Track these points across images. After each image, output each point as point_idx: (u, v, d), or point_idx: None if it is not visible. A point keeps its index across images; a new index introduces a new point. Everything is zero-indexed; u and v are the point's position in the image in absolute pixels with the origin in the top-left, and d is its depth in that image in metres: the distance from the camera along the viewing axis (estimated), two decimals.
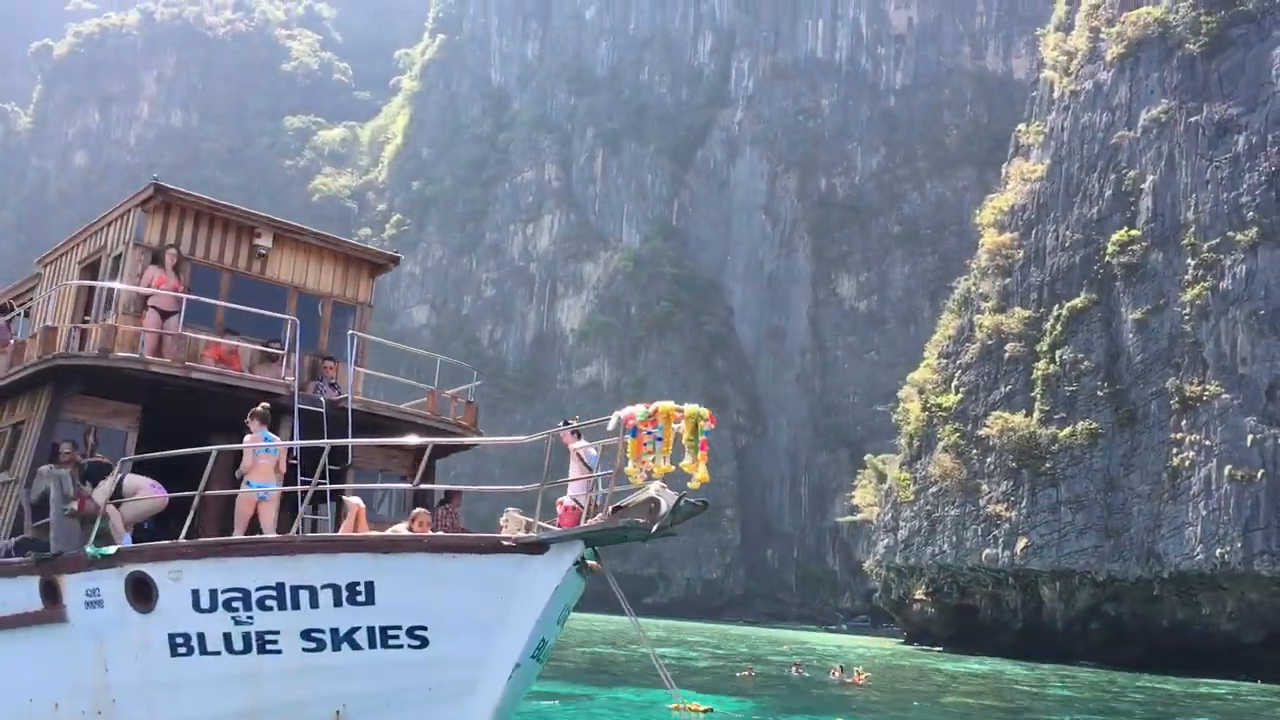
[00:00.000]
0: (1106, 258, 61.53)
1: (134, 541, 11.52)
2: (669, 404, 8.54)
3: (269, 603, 9.67)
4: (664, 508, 8.27)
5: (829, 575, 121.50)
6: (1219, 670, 51.25)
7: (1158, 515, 55.72)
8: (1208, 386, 54.80)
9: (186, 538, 10.42)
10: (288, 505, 12.56)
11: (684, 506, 8.37)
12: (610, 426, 8.67)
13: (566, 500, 10.17)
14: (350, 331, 14.39)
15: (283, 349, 13.36)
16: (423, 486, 10.60)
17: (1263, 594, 53.17)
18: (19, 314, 16.30)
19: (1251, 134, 56.91)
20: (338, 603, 9.47)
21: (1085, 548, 57.81)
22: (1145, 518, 56.24)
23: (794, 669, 35.10)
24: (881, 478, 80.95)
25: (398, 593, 9.35)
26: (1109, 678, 46.15)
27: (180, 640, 10.08)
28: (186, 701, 10.24)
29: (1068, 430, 59.73)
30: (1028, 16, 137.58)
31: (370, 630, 9.49)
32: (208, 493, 10.52)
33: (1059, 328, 62.80)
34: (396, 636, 9.44)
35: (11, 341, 14.86)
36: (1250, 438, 52.43)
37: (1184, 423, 55.51)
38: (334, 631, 9.56)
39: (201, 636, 9.98)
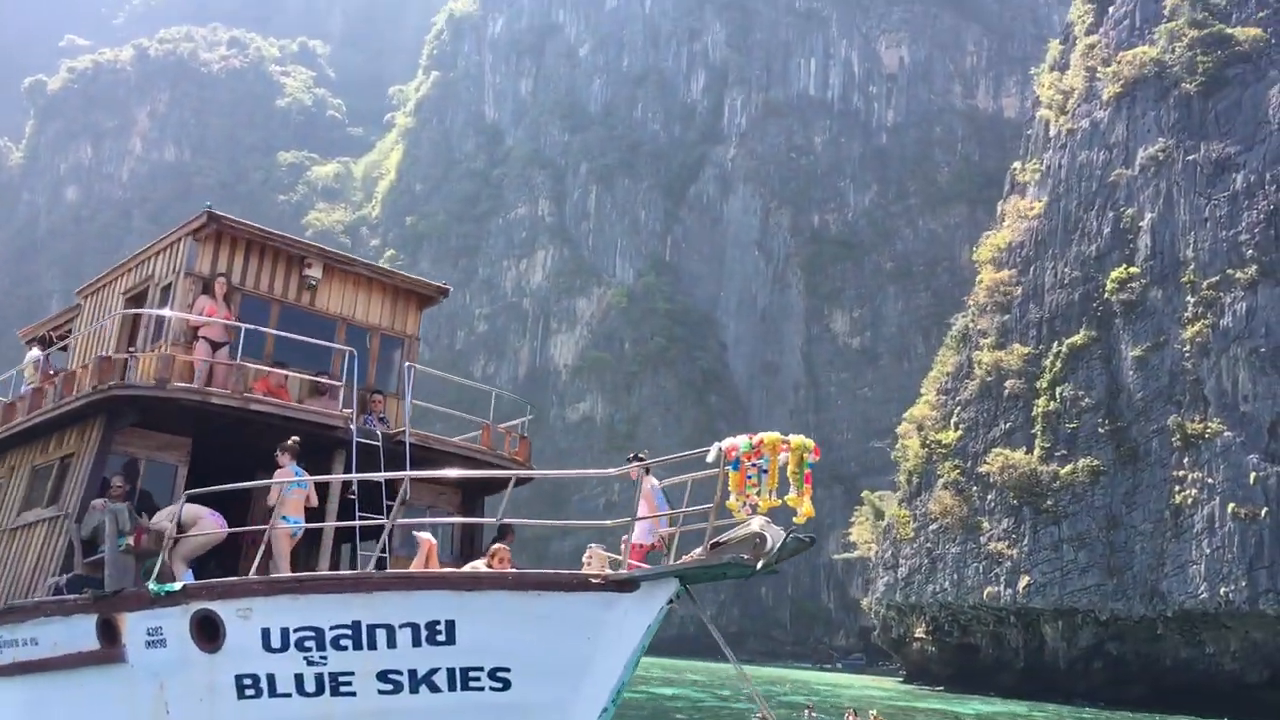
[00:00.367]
0: (1106, 295, 61.60)
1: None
2: (774, 435, 8.22)
3: (344, 642, 9.23)
4: (770, 543, 7.92)
5: (823, 612, 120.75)
6: (1223, 710, 50.75)
7: (1161, 553, 55.43)
8: (1209, 424, 54.71)
9: (256, 573, 10.03)
10: (308, 541, 12.25)
11: (791, 542, 8.02)
12: (710, 458, 8.34)
13: (635, 538, 9.82)
14: (406, 364, 14.09)
15: (331, 382, 13.05)
16: (508, 520, 10.24)
17: (1267, 633, 52.82)
18: (59, 347, 15.93)
19: (1249, 172, 57.20)
20: (416, 642, 9.06)
21: (1088, 586, 57.43)
22: (1148, 556, 55.95)
23: (807, 711, 34.63)
24: (879, 514, 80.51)
25: (480, 632, 8.93)
26: (1119, 717, 45.67)
27: (248, 681, 9.64)
28: None
29: (1069, 468, 59.53)
30: (1017, 57, 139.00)
31: (450, 672, 9.06)
32: (275, 528, 10.14)
33: (1059, 364, 62.76)
34: (478, 678, 9.02)
35: (50, 372, 14.51)
36: (1253, 475, 52.27)
37: (1186, 460, 55.36)
38: (412, 673, 9.13)
39: (271, 678, 9.55)
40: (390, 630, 9.11)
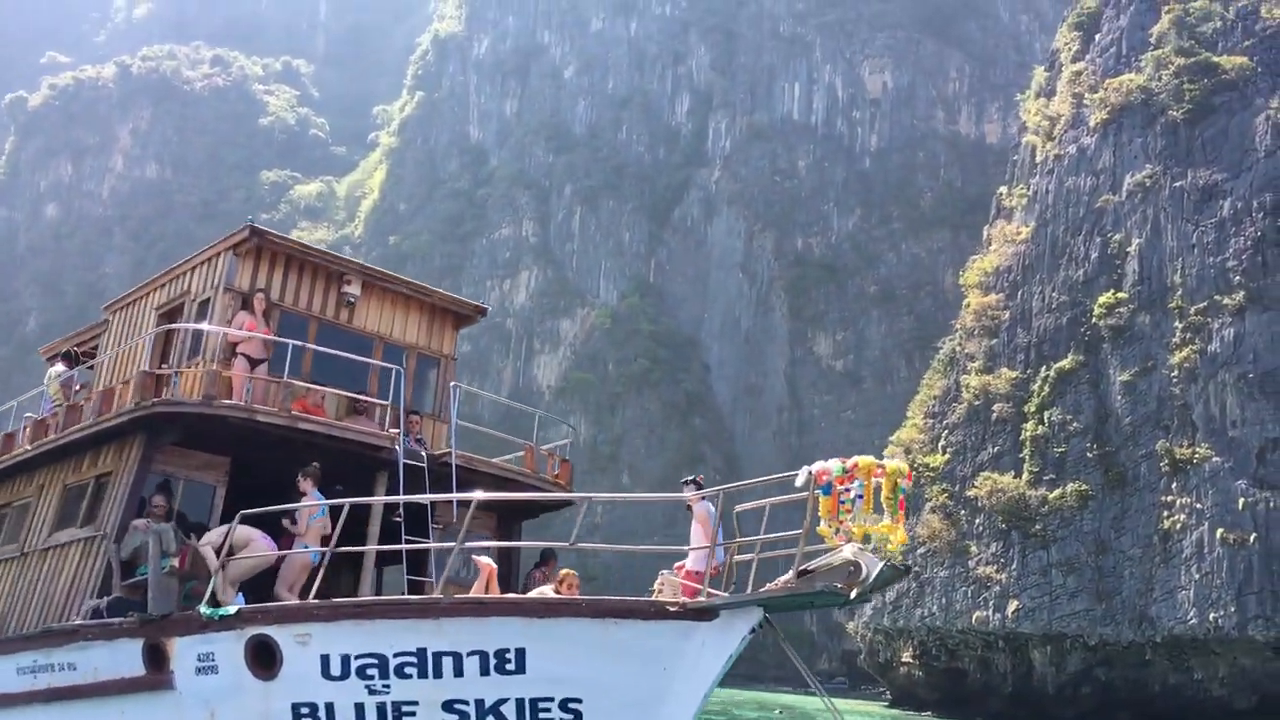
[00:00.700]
0: (1094, 320, 61.82)
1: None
2: (869, 459, 7.99)
3: (408, 670, 8.89)
4: (865, 572, 7.66)
5: (806, 636, 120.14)
6: None
7: (1150, 578, 55.44)
8: (1198, 449, 54.85)
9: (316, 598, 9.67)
10: (338, 566, 11.91)
11: (887, 571, 7.77)
12: (799, 483, 8.10)
13: (688, 565, 9.57)
14: (451, 383, 13.87)
15: (377, 401, 12.79)
16: (580, 546, 9.97)
17: (1255, 659, 52.84)
18: (88, 366, 15.55)
19: (1236, 199, 57.62)
20: (484, 671, 8.76)
21: (1077, 611, 57.37)
22: (1137, 581, 55.95)
23: None
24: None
25: (551, 661, 8.64)
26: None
27: (305, 711, 9.29)
28: None
29: (1057, 492, 59.56)
30: (999, 83, 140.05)
31: (519, 702, 8.76)
32: (339, 549, 9.82)
33: (1047, 389, 62.88)
34: (548, 710, 8.72)
35: (76, 388, 14.16)
36: (1242, 501, 52.40)
37: (1175, 485, 55.47)
38: (479, 703, 8.82)
39: (330, 707, 9.19)
40: (457, 658, 8.80)
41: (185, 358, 12.74)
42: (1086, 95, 68.82)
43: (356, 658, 9.00)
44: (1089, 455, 59.54)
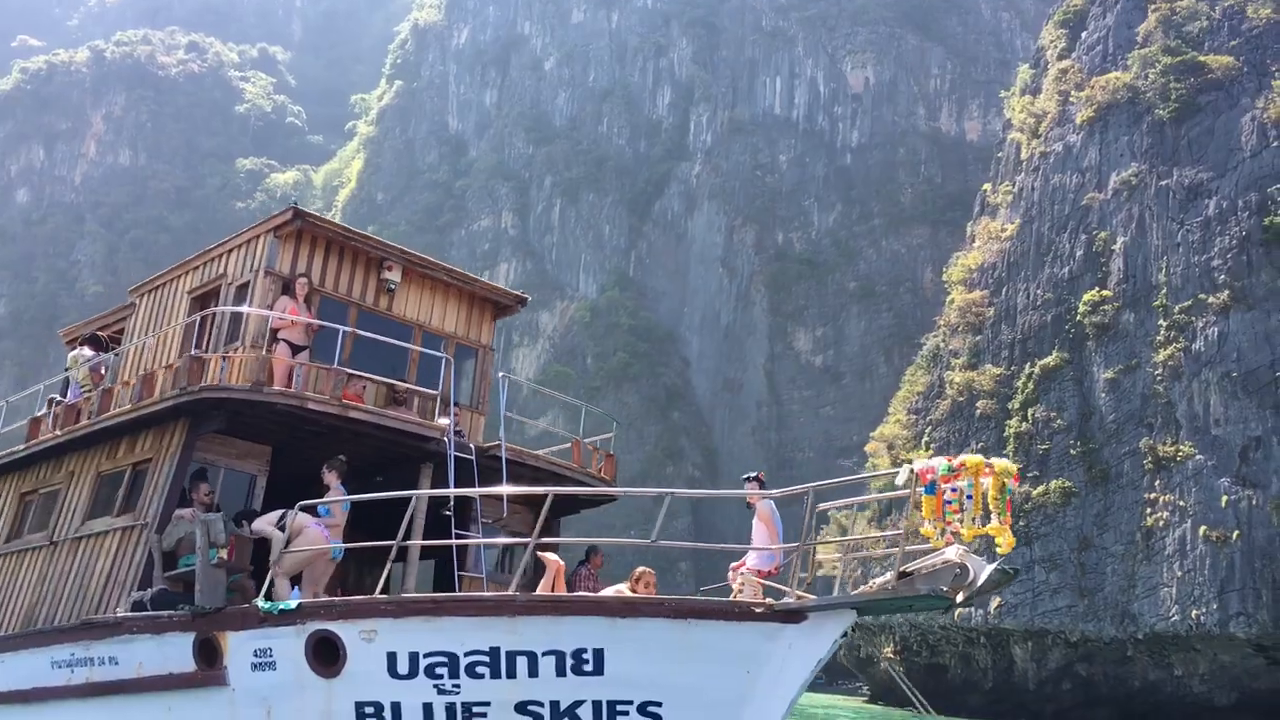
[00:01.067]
0: (1078, 317, 61.92)
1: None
2: (977, 458, 7.61)
3: (480, 670, 8.54)
4: (972, 575, 7.29)
5: None
6: None
7: (1132, 575, 55.58)
8: (1181, 447, 55.00)
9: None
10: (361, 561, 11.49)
11: (996, 575, 7.43)
12: (900, 481, 7.75)
13: (751, 563, 9.21)
14: (500, 374, 13.50)
15: (429, 391, 12.39)
16: (662, 544, 9.58)
17: (1235, 656, 53.09)
18: (115, 354, 15.00)
19: (1222, 199, 57.79)
20: (560, 672, 8.42)
21: (1059, 607, 57.47)
22: (1119, 578, 56.09)
23: None
24: (844, 533, 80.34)
25: (631, 662, 8.32)
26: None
27: (370, 710, 8.90)
28: None
29: (1041, 489, 59.63)
30: (980, 80, 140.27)
31: (596, 705, 8.45)
32: (408, 543, 9.39)
33: (1030, 386, 62.95)
34: (626, 713, 8.39)
35: (102, 372, 13.66)
36: (1225, 498, 52.58)
37: (1158, 483, 55.62)
38: (554, 705, 8.50)
39: (396, 706, 8.81)
40: (532, 658, 8.47)
41: (222, 343, 12.26)
42: (1073, 93, 68.93)
43: (425, 656, 8.63)
44: (1072, 452, 59.65)
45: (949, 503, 7.55)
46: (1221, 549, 52.14)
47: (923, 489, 7.59)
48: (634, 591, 9.21)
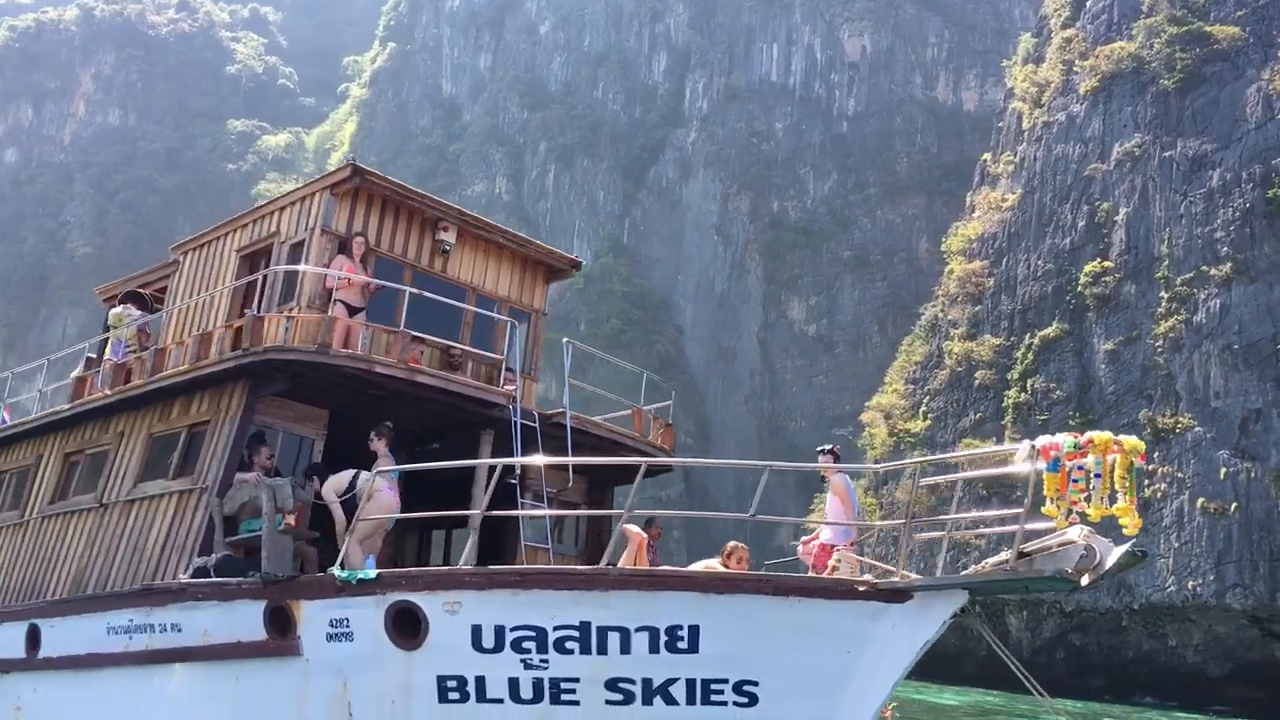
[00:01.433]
0: (1079, 288, 61.80)
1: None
2: (1105, 435, 7.32)
3: (569, 645, 8.30)
4: (1099, 557, 7.05)
5: None
6: (1181, 701, 51.41)
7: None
8: (1180, 419, 55.10)
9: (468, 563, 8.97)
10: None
11: (1125, 558, 7.19)
12: (1021, 456, 7.46)
13: (827, 539, 8.99)
14: (565, 340, 13.29)
15: (493, 355, 12.16)
16: (762, 518, 9.33)
17: (1229, 627, 53.43)
18: (163, 313, 14.63)
19: (1226, 170, 57.57)
20: (654, 648, 8.17)
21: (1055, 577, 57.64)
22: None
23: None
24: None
25: (727, 640, 8.07)
26: (1092, 708, 45.91)
27: (453, 684, 8.65)
28: None
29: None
30: (978, 49, 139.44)
31: (690, 683, 8.19)
32: (490, 513, 9.15)
33: (1030, 356, 62.89)
34: (720, 692, 8.13)
35: (147, 330, 13.32)
36: (1223, 471, 52.75)
37: (1156, 454, 55.66)
38: (646, 682, 8.25)
39: (481, 681, 8.57)
40: (625, 634, 8.23)
41: (275, 303, 11.91)
42: (1076, 62, 68.43)
43: (512, 629, 8.39)
44: (1071, 423, 59.49)
45: (1074, 481, 7.26)
46: (1219, 521, 52.36)
47: (1045, 466, 7.30)
48: (726, 566, 9.00)
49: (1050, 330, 62.49)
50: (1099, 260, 61.43)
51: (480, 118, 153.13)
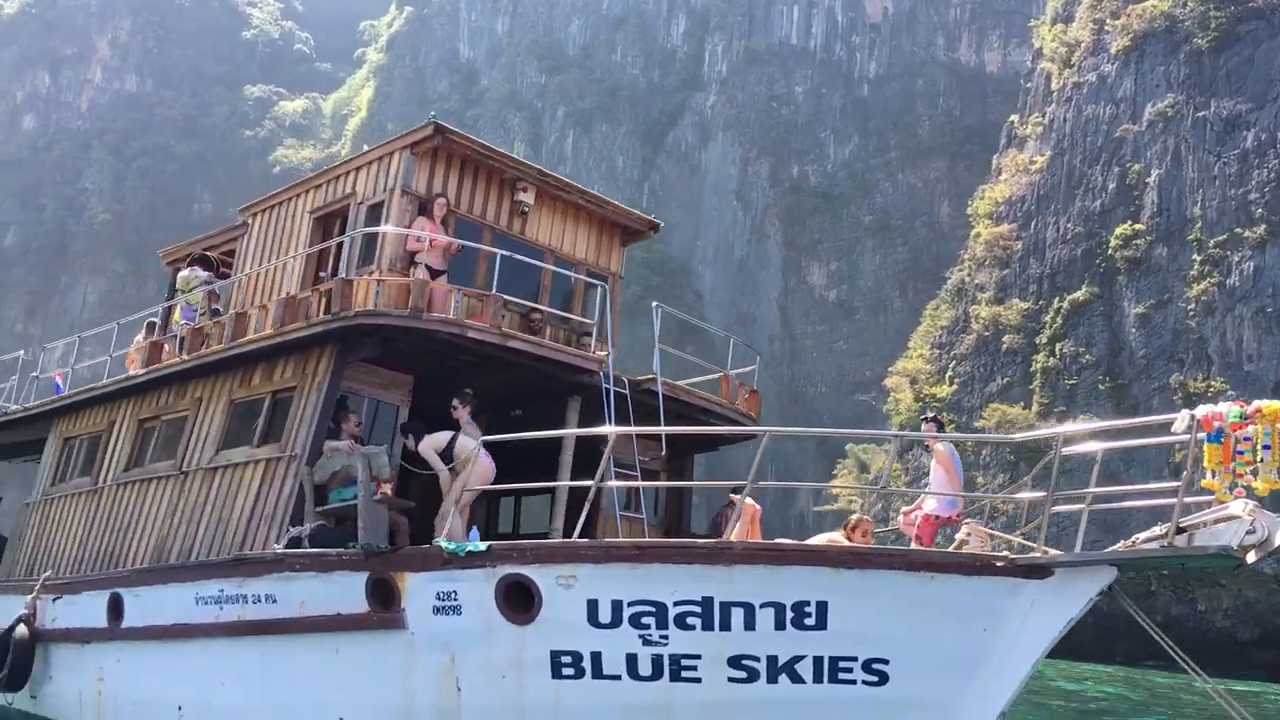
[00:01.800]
0: (1109, 251, 61.16)
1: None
2: (1274, 404, 6.96)
3: (691, 621, 8.00)
4: (1267, 533, 6.68)
5: None
6: (1211, 667, 51.11)
7: (1158, 510, 55.39)
8: (1212, 383, 54.53)
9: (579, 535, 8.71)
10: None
11: None
12: (1179, 427, 7.12)
13: (931, 509, 8.71)
14: (654, 304, 13.01)
15: (581, 319, 11.93)
16: (893, 490, 9.09)
17: (1260, 592, 53.20)
18: (234, 281, 14.34)
19: (1261, 130, 56.71)
20: (780, 625, 7.89)
21: (1085, 543, 57.36)
22: (1145, 513, 55.82)
23: None
24: (863, 468, 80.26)
25: (856, 617, 7.78)
26: (1125, 674, 45.75)
27: (567, 660, 8.39)
28: None
29: (1068, 425, 59.26)
30: (1001, 10, 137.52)
31: (817, 661, 7.90)
32: (604, 484, 8.91)
33: (1059, 320, 62.38)
34: (849, 670, 7.86)
35: (215, 292, 13.05)
36: None
37: None
38: (771, 660, 7.96)
39: (596, 656, 8.30)
40: (749, 610, 7.96)
41: (354, 266, 11.62)
42: (1108, 21, 67.39)
43: (630, 604, 8.12)
44: (1101, 388, 59.22)
45: (1240, 453, 6.91)
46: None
47: (1206, 436, 6.97)
48: (850, 540, 8.74)
49: (1080, 294, 61.91)
50: (1130, 223, 60.73)
51: (498, 82, 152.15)
